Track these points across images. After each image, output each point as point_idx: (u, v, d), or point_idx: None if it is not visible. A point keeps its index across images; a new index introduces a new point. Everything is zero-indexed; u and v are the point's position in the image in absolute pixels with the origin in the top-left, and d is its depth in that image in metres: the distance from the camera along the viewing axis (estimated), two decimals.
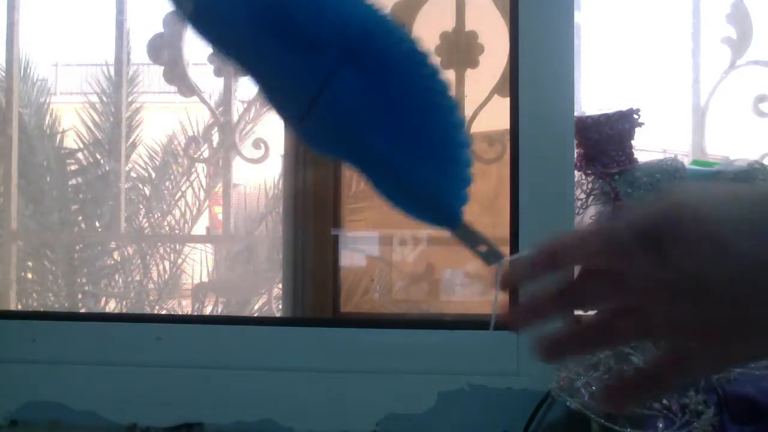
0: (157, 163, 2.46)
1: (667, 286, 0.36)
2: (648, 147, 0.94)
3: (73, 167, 2.34)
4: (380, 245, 1.35)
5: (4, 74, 1.41)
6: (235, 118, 1.32)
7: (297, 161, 1.18)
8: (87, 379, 0.90)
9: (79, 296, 2.25)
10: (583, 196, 0.88)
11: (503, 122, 0.93)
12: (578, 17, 1.07)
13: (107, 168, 2.29)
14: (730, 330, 0.36)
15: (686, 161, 0.92)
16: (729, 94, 1.15)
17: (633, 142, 0.88)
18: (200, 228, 2.50)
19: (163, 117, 2.52)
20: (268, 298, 1.97)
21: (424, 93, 0.40)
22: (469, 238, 0.43)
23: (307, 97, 0.39)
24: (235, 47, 0.40)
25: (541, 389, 0.79)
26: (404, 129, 0.40)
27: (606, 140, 0.86)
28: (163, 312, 2.39)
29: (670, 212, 0.35)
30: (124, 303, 2.35)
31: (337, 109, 0.40)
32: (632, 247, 0.35)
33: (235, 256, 2.27)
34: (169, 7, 0.40)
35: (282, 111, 0.42)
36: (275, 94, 0.41)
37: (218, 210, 2.45)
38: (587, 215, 0.89)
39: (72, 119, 2.38)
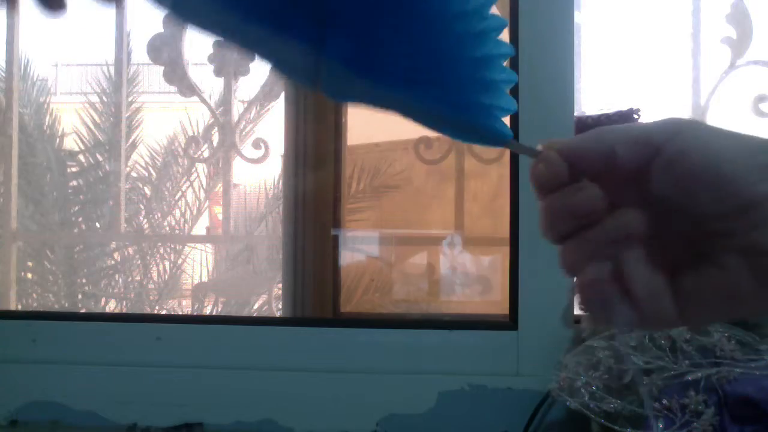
0: (158, 163, 2.46)
1: (645, 191, 0.36)
2: None
3: (73, 168, 2.34)
4: (380, 245, 1.35)
5: (4, 74, 1.41)
6: (235, 118, 1.32)
7: (297, 161, 1.18)
8: (87, 379, 0.90)
9: (79, 296, 2.26)
10: None
11: None
12: (578, 17, 1.06)
13: (107, 168, 2.29)
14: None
15: None
16: (729, 94, 1.15)
17: None
18: (200, 228, 2.51)
19: (163, 117, 2.52)
20: (268, 298, 1.97)
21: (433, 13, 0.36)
22: (522, 148, 0.41)
23: (310, 64, 0.36)
24: (223, 32, 0.38)
25: (541, 389, 0.79)
26: (420, 62, 0.36)
27: None
28: (163, 312, 2.39)
29: (669, 124, 0.36)
30: (124, 303, 2.35)
31: (341, 66, 0.36)
32: (625, 153, 0.36)
33: (235, 256, 2.27)
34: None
35: (293, 78, 0.39)
36: (280, 65, 0.39)
37: (218, 210, 2.45)
38: None
39: (72, 119, 2.38)
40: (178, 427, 0.88)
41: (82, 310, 2.37)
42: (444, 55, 0.37)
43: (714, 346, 0.65)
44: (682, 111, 1.17)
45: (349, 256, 1.27)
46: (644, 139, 0.36)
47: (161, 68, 1.29)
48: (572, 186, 0.37)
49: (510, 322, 0.88)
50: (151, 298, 2.35)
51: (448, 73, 0.37)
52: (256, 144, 1.30)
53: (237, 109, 1.33)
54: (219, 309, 2.24)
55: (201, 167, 2.38)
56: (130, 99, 2.28)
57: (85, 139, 2.34)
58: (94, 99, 2.38)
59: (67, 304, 2.19)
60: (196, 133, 2.29)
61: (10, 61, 1.37)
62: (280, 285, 1.44)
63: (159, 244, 2.40)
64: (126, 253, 2.33)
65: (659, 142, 0.35)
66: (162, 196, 2.44)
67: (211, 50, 1.28)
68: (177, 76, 1.29)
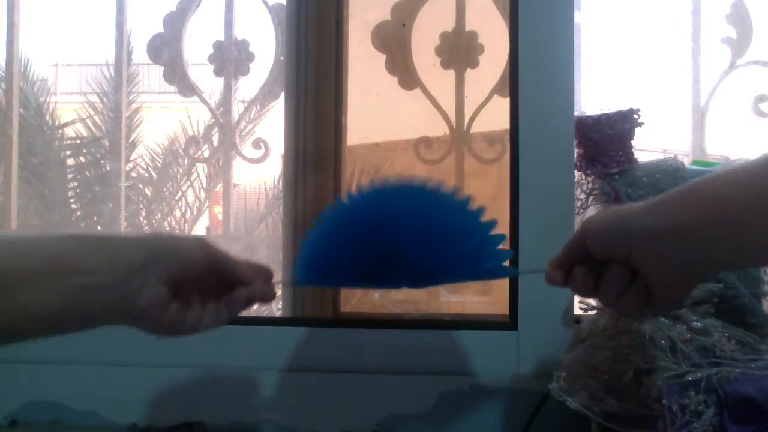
0: (158, 163, 2.47)
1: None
2: (648, 147, 0.94)
3: (73, 167, 2.34)
4: None
5: (3, 74, 1.41)
6: (235, 118, 1.32)
7: (297, 161, 1.18)
8: (87, 379, 0.90)
9: None
10: (583, 196, 0.88)
11: (503, 122, 0.93)
12: (578, 17, 1.07)
13: (107, 168, 2.28)
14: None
15: (686, 161, 0.92)
16: (729, 94, 1.15)
17: (633, 142, 0.88)
18: (200, 228, 2.50)
19: (163, 117, 2.52)
20: None
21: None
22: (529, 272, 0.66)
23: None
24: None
25: (541, 389, 0.79)
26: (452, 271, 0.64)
27: (606, 140, 0.86)
28: None
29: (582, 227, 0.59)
30: None
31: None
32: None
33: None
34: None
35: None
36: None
37: (218, 210, 2.45)
38: (587, 215, 0.88)
39: (72, 119, 2.38)
40: (178, 427, 0.88)
41: None
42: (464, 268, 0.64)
43: (714, 346, 0.65)
44: (682, 111, 1.17)
45: None
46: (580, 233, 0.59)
47: (161, 68, 1.29)
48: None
49: (510, 322, 0.88)
50: None
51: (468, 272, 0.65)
52: (256, 144, 1.30)
53: (237, 109, 1.33)
54: None
55: (201, 167, 2.38)
56: (130, 99, 2.28)
57: (84, 139, 2.34)
58: (94, 99, 2.38)
59: None
60: (196, 133, 2.29)
61: (10, 61, 1.37)
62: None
63: None
64: None
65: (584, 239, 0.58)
66: (162, 196, 2.44)
67: (211, 50, 1.28)
68: (177, 76, 1.29)
